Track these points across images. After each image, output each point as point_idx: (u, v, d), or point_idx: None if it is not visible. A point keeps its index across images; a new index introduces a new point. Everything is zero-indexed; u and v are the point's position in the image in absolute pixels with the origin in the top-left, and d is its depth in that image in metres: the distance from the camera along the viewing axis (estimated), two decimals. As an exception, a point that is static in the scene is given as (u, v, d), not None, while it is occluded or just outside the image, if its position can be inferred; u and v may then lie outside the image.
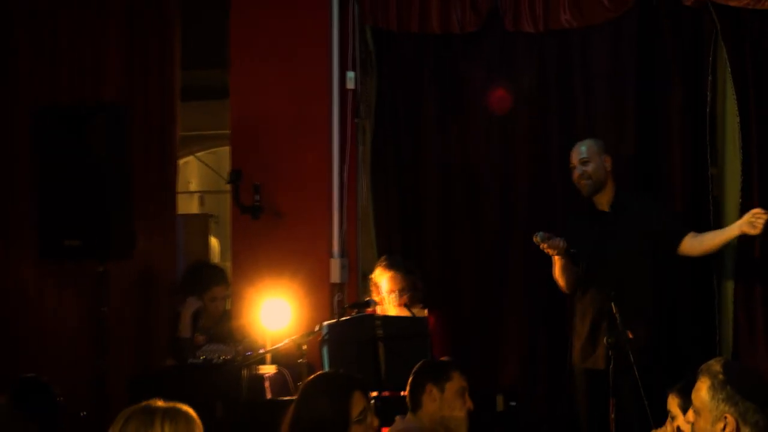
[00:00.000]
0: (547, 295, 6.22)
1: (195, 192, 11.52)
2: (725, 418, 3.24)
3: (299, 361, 5.57)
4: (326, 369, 5.21)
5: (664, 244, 5.64)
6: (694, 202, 5.99)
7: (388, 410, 4.80)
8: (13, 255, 6.80)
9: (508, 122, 6.35)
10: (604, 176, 5.71)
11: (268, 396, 5.68)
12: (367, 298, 5.98)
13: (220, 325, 6.45)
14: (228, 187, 6.66)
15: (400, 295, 5.90)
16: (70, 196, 5.92)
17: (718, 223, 5.86)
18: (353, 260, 6.59)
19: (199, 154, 11.16)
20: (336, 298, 6.51)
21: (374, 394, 4.85)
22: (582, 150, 5.73)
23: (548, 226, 6.19)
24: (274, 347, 5.73)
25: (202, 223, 9.01)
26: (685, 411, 3.74)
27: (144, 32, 6.77)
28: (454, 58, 6.45)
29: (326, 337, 5.42)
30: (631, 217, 5.67)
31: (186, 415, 3.06)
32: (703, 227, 5.72)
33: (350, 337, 5.41)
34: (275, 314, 6.04)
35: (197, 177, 11.64)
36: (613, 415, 4.90)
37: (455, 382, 4.57)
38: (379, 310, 5.91)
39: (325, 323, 5.51)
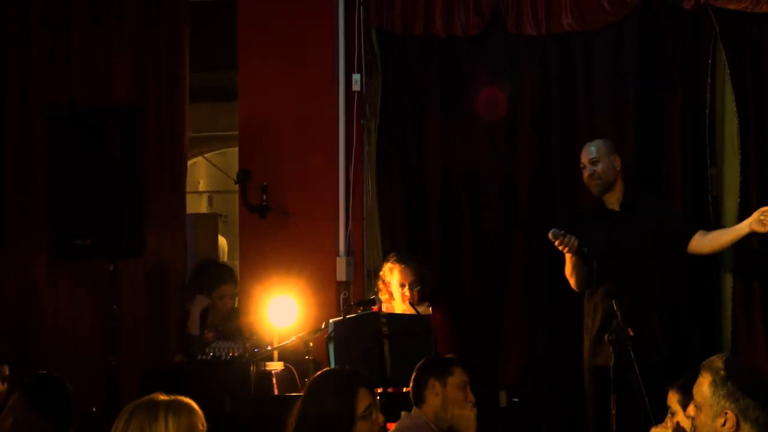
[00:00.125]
0: (547, 294, 6.23)
1: (204, 192, 11.54)
2: (725, 413, 3.23)
3: (306, 357, 5.58)
4: (332, 365, 5.20)
5: (674, 243, 5.61)
6: (694, 202, 5.98)
7: (393, 406, 4.81)
8: (26, 254, 6.80)
9: (510, 123, 6.35)
10: (613, 176, 5.69)
11: (276, 392, 5.68)
12: (373, 296, 5.98)
13: (229, 323, 6.45)
14: (236, 187, 6.65)
15: (411, 288, 5.89)
16: (82, 196, 5.92)
17: (718, 223, 5.85)
18: (359, 259, 6.58)
19: (208, 154, 11.17)
20: (342, 296, 6.51)
21: (380, 390, 4.86)
22: (592, 150, 5.71)
23: (549, 226, 6.20)
24: (281, 344, 5.73)
25: (210, 223, 9.03)
26: (685, 407, 3.74)
27: (155, 36, 6.77)
28: (458, 61, 6.44)
29: (332, 334, 5.42)
30: (640, 216, 5.64)
31: (188, 407, 3.06)
32: (702, 227, 5.70)
33: (356, 335, 5.41)
34: (282, 312, 6.04)
35: (206, 177, 11.65)
36: (614, 411, 4.89)
37: (457, 377, 4.60)
38: (384, 308, 5.90)
39: (332, 321, 5.51)
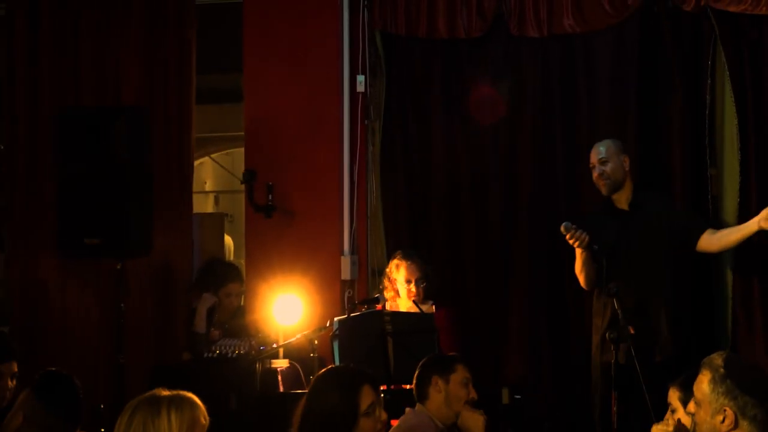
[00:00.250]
0: (549, 293, 6.23)
1: (210, 192, 11.54)
2: (724, 411, 3.23)
3: (311, 355, 5.59)
4: (337, 363, 5.20)
5: (683, 242, 5.59)
6: (694, 202, 5.97)
7: (397, 403, 4.81)
8: (35, 253, 6.81)
9: (512, 124, 6.35)
10: (622, 176, 5.67)
11: (281, 389, 5.68)
12: (377, 295, 5.99)
13: (235, 321, 6.46)
14: (242, 186, 6.66)
15: (417, 285, 5.89)
16: (90, 196, 5.92)
17: (718, 222, 5.83)
18: (363, 258, 6.58)
19: (214, 155, 11.18)
20: (346, 295, 6.51)
21: (384, 387, 4.86)
22: (601, 150, 5.69)
23: (551, 225, 6.21)
24: (286, 342, 5.74)
25: (217, 222, 9.03)
26: (685, 404, 3.73)
27: (163, 38, 6.78)
28: (461, 62, 6.44)
29: (337, 332, 5.42)
30: (649, 216, 5.62)
31: (190, 401, 3.07)
32: (711, 225, 5.67)
33: (360, 333, 5.41)
34: (287, 310, 6.04)
35: (212, 177, 11.66)
36: (614, 408, 4.89)
37: (459, 374, 4.66)
38: (388, 306, 5.91)
39: (336, 319, 5.51)
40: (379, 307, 5.79)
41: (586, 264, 5.57)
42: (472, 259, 6.39)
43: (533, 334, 6.26)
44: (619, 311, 5.09)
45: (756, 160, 5.90)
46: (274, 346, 5.75)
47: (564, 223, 5.44)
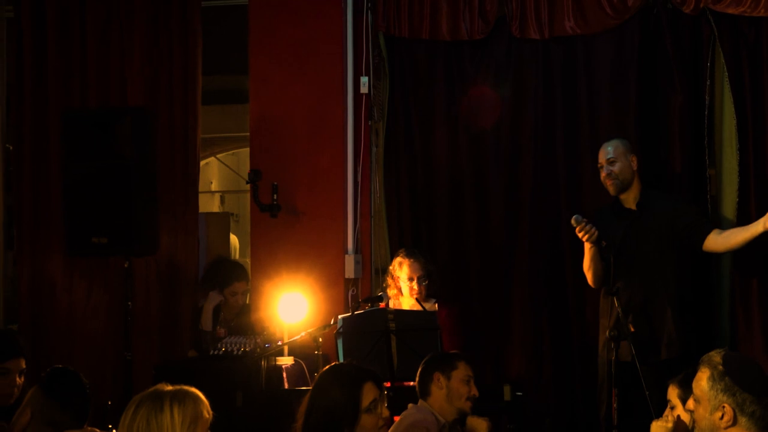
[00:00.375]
0: (551, 291, 6.23)
1: (216, 191, 11.56)
2: (723, 407, 3.24)
3: (315, 352, 5.58)
4: (341, 360, 5.21)
5: (689, 242, 5.57)
6: (693, 202, 5.96)
7: (400, 399, 4.82)
8: (43, 251, 6.83)
9: (514, 124, 6.35)
10: (630, 176, 5.66)
11: (286, 386, 5.68)
12: (380, 293, 5.99)
13: (240, 319, 6.46)
14: (247, 186, 6.66)
15: (419, 283, 5.89)
16: (97, 196, 5.93)
17: (716, 222, 5.83)
18: (367, 256, 6.59)
19: (220, 155, 11.20)
20: (350, 293, 6.51)
21: (387, 384, 4.87)
22: (609, 150, 5.68)
23: (552, 225, 6.22)
24: (291, 339, 5.74)
25: (222, 221, 9.05)
26: (684, 401, 3.74)
27: (168, 40, 6.78)
28: (463, 64, 6.44)
29: (341, 330, 5.42)
30: (657, 215, 5.61)
31: (193, 396, 3.07)
32: (717, 225, 5.65)
33: (364, 330, 5.41)
34: (292, 308, 6.04)
35: (218, 177, 11.68)
36: (615, 405, 4.89)
37: (461, 371, 4.69)
38: (391, 304, 5.91)
39: (340, 317, 5.52)
40: (382, 305, 5.80)
41: (594, 261, 5.56)
42: (475, 257, 6.40)
43: (535, 331, 6.25)
44: (619, 309, 5.09)
45: (754, 160, 5.90)
46: (279, 343, 5.75)
47: (575, 216, 5.43)
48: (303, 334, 5.65)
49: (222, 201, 11.54)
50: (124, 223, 5.90)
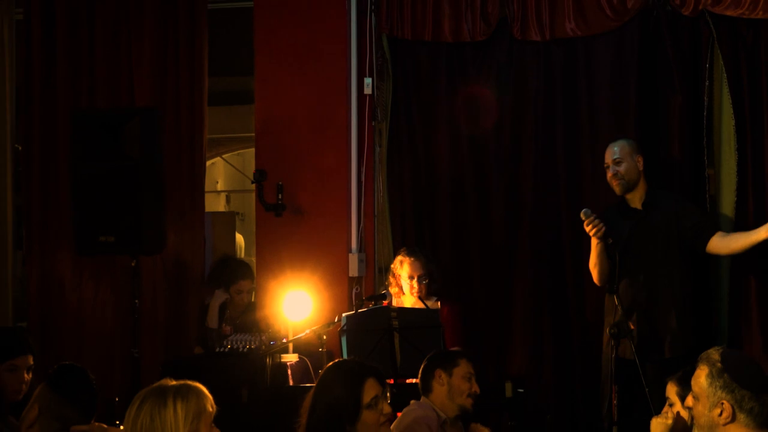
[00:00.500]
0: (552, 289, 6.22)
1: (222, 191, 11.57)
2: (722, 404, 3.23)
3: (319, 350, 5.59)
4: (345, 358, 5.20)
5: (693, 243, 5.56)
6: (692, 201, 5.95)
7: (403, 396, 4.82)
8: (52, 250, 6.83)
9: (515, 125, 6.34)
10: (636, 176, 5.65)
11: (291, 383, 5.68)
12: (384, 291, 5.99)
13: (246, 316, 6.46)
14: (253, 186, 6.66)
15: (420, 282, 5.88)
16: (104, 195, 5.93)
17: (713, 218, 5.82)
18: (370, 255, 6.58)
19: (225, 155, 11.20)
20: (354, 291, 6.51)
21: (391, 381, 4.87)
22: (615, 150, 5.67)
23: (553, 224, 6.21)
24: (296, 337, 5.74)
25: (228, 221, 9.05)
26: (683, 399, 3.74)
27: (175, 42, 6.78)
28: (465, 65, 6.44)
29: (345, 328, 5.42)
30: (662, 215, 5.60)
31: (196, 390, 3.06)
32: (721, 228, 5.65)
33: (368, 328, 5.41)
34: (297, 306, 6.04)
35: (224, 177, 11.69)
36: (615, 401, 4.89)
37: (462, 368, 4.70)
38: (394, 302, 5.91)
39: (344, 314, 5.51)
40: (385, 303, 5.79)
41: (600, 257, 5.55)
42: (477, 256, 6.39)
43: (536, 329, 6.25)
44: (619, 307, 5.08)
45: (752, 160, 5.89)
46: (284, 341, 5.75)
47: (584, 210, 5.43)
48: (307, 331, 5.65)
49: (228, 200, 11.54)
50: (131, 222, 5.89)
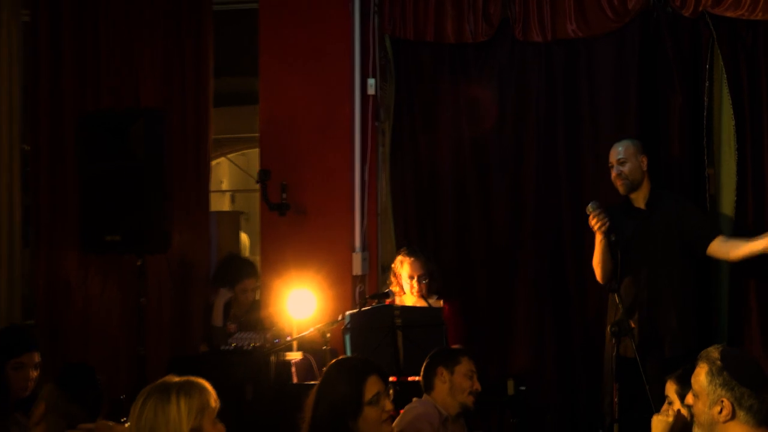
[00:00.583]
0: (554, 288, 6.22)
1: (226, 191, 11.57)
2: (722, 402, 3.23)
3: (323, 348, 5.59)
4: (348, 355, 5.20)
5: (694, 246, 5.56)
6: (692, 201, 5.95)
7: (406, 394, 4.82)
8: (58, 249, 6.83)
9: (517, 125, 6.34)
10: (640, 176, 5.64)
11: (295, 380, 5.68)
12: (387, 290, 5.99)
13: (250, 315, 6.46)
14: (257, 186, 6.66)
15: (420, 281, 5.88)
16: (110, 195, 5.93)
17: (715, 221, 5.81)
18: (374, 254, 6.59)
19: (230, 155, 11.20)
20: (357, 290, 6.51)
21: (393, 379, 4.87)
22: (620, 150, 5.66)
23: (555, 223, 6.21)
24: (300, 335, 5.74)
25: (233, 220, 9.03)
26: (682, 397, 3.73)
27: (180, 43, 6.78)
28: (467, 65, 6.44)
29: (348, 326, 5.42)
30: (665, 215, 5.59)
31: (199, 386, 3.06)
32: (722, 232, 5.64)
33: (371, 326, 5.41)
34: (301, 304, 6.04)
35: (228, 177, 11.68)
36: (616, 399, 4.88)
37: (464, 366, 4.72)
38: (397, 301, 5.91)
39: (348, 313, 5.52)
40: (389, 301, 5.79)
41: (604, 255, 5.53)
42: (479, 255, 6.39)
43: (538, 328, 6.25)
44: (619, 306, 5.08)
45: (752, 160, 5.89)
46: (288, 339, 5.75)
47: (592, 202, 5.43)
48: (311, 329, 5.65)
49: (232, 200, 11.54)
50: (137, 221, 5.90)
